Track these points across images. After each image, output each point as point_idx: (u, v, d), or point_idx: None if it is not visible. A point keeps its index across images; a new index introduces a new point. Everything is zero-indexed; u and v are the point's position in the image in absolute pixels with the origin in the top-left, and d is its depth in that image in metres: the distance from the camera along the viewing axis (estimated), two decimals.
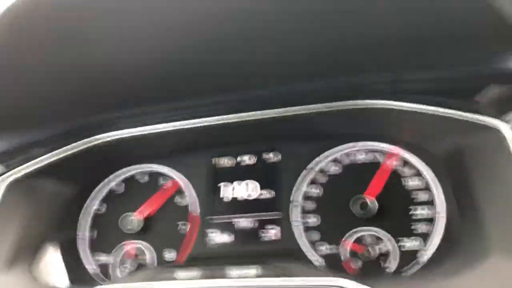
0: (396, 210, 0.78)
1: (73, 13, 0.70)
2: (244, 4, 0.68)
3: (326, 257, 0.79)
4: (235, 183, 0.89)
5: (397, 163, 0.82)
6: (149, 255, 0.88)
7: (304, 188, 0.85)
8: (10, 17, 0.72)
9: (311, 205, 0.84)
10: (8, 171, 0.89)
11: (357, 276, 0.74)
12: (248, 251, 0.83)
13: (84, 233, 0.94)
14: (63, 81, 0.80)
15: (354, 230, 0.79)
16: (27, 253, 0.89)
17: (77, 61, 0.77)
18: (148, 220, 0.90)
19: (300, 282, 0.65)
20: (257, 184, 0.88)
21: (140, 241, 0.89)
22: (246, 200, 0.87)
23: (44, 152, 0.90)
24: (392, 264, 0.75)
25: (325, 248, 0.80)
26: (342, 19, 0.69)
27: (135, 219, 0.89)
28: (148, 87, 0.83)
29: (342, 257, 0.78)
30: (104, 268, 0.90)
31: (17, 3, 0.72)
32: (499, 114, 0.71)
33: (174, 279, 0.76)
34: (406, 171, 0.81)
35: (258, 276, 0.77)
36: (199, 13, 0.69)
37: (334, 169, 0.86)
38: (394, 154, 0.82)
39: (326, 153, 0.86)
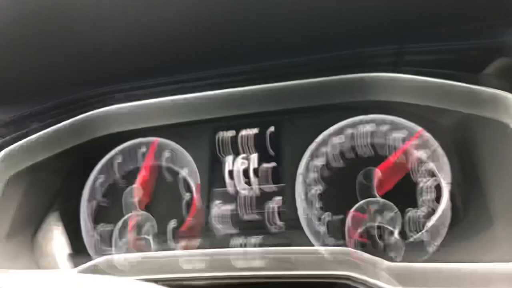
0: (403, 181, 0.78)
1: None
2: None
3: (329, 225, 0.79)
4: (238, 155, 0.88)
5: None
6: (153, 226, 0.87)
7: (308, 159, 0.84)
8: None
9: (315, 176, 0.83)
10: (4, 143, 0.89)
11: (363, 245, 0.75)
12: (251, 221, 0.82)
13: (85, 204, 0.93)
14: (58, 55, 0.80)
15: (359, 201, 0.78)
16: (29, 224, 0.90)
17: (71, 34, 0.76)
18: (152, 192, 0.91)
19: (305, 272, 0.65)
20: (260, 156, 0.87)
21: (143, 212, 0.89)
22: (249, 172, 0.86)
23: (42, 126, 0.90)
24: (397, 234, 0.75)
25: (328, 218, 0.79)
26: None
27: (137, 190, 0.89)
28: (146, 60, 0.83)
29: (346, 226, 0.77)
30: (106, 238, 0.89)
31: None
32: (506, 87, 0.71)
33: (177, 249, 0.76)
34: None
35: (260, 245, 0.77)
36: None
37: (339, 141, 0.85)
38: (418, 133, 0.81)
39: (332, 126, 0.85)
